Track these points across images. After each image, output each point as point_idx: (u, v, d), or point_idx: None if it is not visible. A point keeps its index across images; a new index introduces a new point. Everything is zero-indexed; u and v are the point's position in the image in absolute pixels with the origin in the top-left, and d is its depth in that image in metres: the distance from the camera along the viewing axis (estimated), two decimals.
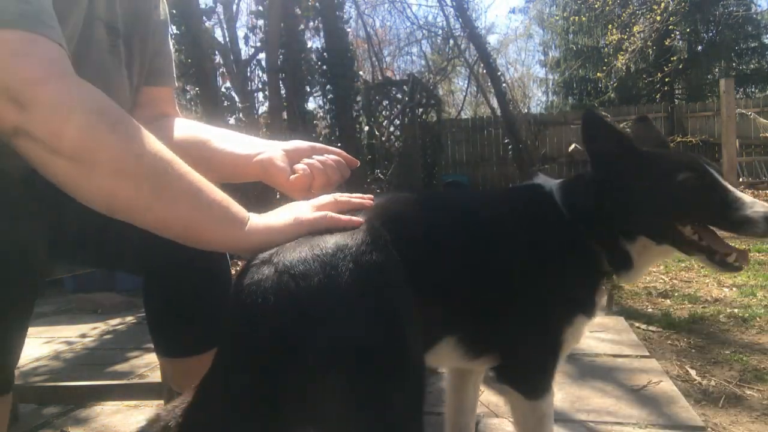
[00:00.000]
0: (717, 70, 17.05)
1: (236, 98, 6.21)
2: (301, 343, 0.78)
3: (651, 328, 2.74)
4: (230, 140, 1.20)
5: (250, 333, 0.80)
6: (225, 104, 6.13)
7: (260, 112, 6.72)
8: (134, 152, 0.82)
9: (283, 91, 6.39)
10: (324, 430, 0.83)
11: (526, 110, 14.13)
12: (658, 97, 15.65)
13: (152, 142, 0.85)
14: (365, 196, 1.00)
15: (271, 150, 1.13)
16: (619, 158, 1.11)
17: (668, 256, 1.19)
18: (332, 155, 1.14)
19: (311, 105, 7.19)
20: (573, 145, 11.42)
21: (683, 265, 4.19)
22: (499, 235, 1.10)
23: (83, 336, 3.27)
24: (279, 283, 0.80)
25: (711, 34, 17.23)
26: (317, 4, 6.87)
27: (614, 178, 1.11)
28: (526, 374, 1.15)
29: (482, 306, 1.07)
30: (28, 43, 0.79)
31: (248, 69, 6.49)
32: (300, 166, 1.09)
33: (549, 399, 1.17)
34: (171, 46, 1.35)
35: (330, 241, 0.84)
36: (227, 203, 0.89)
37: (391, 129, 8.23)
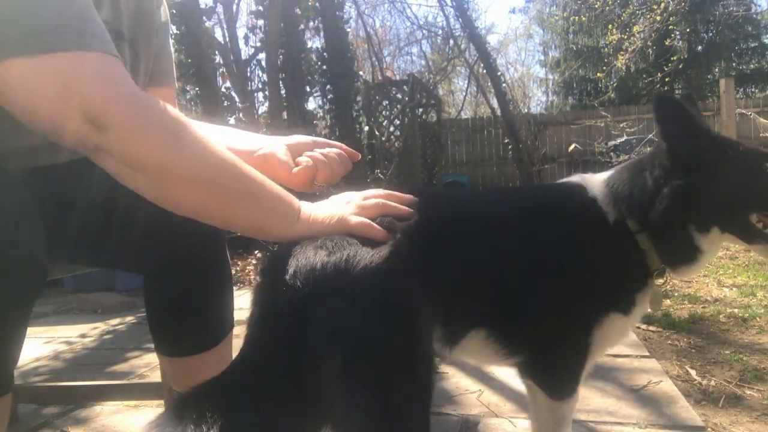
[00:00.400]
0: (717, 70, 17.04)
1: (236, 98, 6.22)
2: (310, 331, 0.82)
3: (651, 328, 2.74)
4: (231, 136, 1.20)
5: (268, 318, 0.88)
6: (225, 104, 6.14)
7: (260, 112, 6.72)
8: (201, 162, 0.87)
9: (283, 91, 6.39)
10: (333, 418, 0.87)
11: (526, 110, 14.10)
12: None
13: (214, 148, 0.89)
14: (407, 200, 1.00)
15: (273, 145, 1.13)
16: (698, 144, 1.08)
17: (720, 246, 1.18)
18: (334, 149, 1.14)
19: (311, 105, 7.19)
20: (573, 145, 11.39)
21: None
22: (537, 239, 1.09)
23: (83, 336, 3.27)
24: (296, 275, 0.85)
25: (711, 34, 17.21)
26: (317, 4, 6.88)
27: (698, 164, 1.08)
28: (552, 374, 1.14)
29: (514, 304, 1.07)
30: (98, 65, 0.81)
31: (248, 69, 6.49)
32: (303, 159, 1.09)
33: (572, 402, 1.16)
34: (171, 47, 1.35)
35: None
36: (283, 199, 0.93)
37: (391, 129, 8.22)
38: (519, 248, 1.08)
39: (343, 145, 1.17)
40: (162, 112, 0.86)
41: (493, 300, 1.06)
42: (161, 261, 1.17)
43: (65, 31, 0.79)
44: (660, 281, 1.13)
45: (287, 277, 0.84)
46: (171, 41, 1.36)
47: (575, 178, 1.22)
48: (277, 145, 1.13)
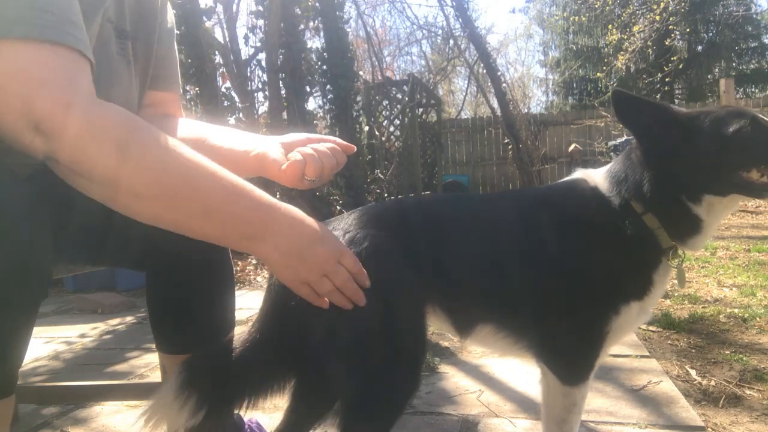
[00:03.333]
0: (717, 70, 17.05)
1: (236, 98, 6.21)
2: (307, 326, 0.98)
3: (651, 328, 2.73)
4: (228, 137, 1.22)
5: (273, 314, 1.04)
6: (225, 104, 6.13)
7: (260, 112, 6.71)
8: (151, 177, 0.84)
9: (283, 91, 6.39)
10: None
11: (526, 110, 14.12)
12: (658, 97, 15.66)
13: (174, 161, 0.86)
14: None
15: (266, 144, 1.15)
16: (664, 126, 1.11)
17: (733, 208, 1.20)
18: (328, 143, 1.15)
19: (311, 105, 7.18)
20: (573, 145, 11.40)
21: (683, 264, 4.19)
22: (543, 233, 1.12)
23: (83, 336, 3.27)
24: None
25: (711, 34, 17.22)
26: (317, 4, 6.87)
27: (665, 146, 1.11)
28: (567, 360, 1.16)
29: (525, 300, 1.10)
30: (47, 60, 0.78)
31: (248, 69, 6.48)
32: (292, 154, 1.09)
33: (584, 389, 1.18)
34: (177, 53, 1.35)
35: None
36: (244, 219, 0.91)
37: (391, 129, 8.23)
38: (528, 244, 1.11)
39: (338, 139, 1.18)
40: (116, 123, 0.83)
41: (504, 295, 1.10)
42: (164, 259, 1.17)
43: (20, 23, 0.77)
44: (676, 260, 1.17)
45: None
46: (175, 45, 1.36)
47: (577, 173, 1.25)
48: (271, 144, 1.14)
